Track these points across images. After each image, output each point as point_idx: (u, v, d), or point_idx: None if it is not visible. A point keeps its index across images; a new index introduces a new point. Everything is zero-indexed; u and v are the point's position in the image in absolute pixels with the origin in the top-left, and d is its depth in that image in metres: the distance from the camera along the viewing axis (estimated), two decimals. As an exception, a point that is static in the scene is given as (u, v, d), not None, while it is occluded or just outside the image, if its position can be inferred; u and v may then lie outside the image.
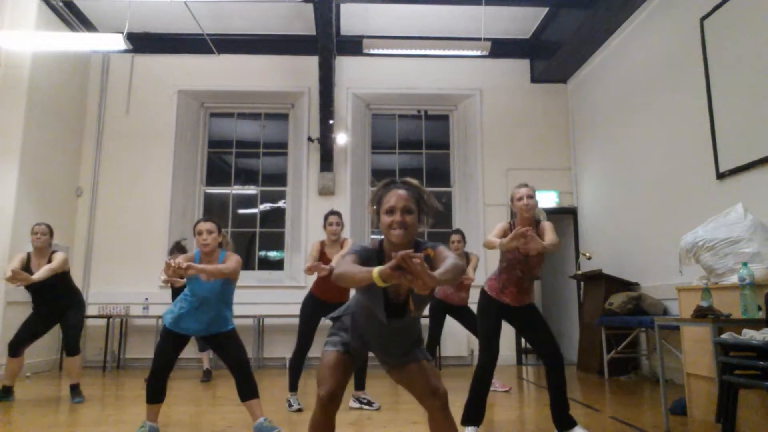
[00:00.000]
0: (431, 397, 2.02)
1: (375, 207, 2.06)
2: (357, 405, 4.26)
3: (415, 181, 2.07)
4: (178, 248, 5.75)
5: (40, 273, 4.33)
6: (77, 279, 7.39)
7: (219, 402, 4.62)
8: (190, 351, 6.04)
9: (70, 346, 4.65)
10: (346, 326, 2.20)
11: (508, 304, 3.37)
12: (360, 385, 4.34)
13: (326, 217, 4.47)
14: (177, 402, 4.58)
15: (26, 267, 4.53)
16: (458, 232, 5.47)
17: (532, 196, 3.31)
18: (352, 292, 2.39)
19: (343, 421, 3.82)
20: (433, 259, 1.99)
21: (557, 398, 3.27)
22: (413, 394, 2.11)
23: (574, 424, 3.25)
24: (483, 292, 3.44)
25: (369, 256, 2.02)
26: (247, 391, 3.33)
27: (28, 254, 4.63)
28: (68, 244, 7.29)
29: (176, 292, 5.84)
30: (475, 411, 3.31)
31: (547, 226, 3.35)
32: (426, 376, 2.07)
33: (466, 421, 3.29)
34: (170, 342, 3.31)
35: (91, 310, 7.26)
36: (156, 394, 3.26)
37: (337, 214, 4.48)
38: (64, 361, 4.83)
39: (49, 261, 4.55)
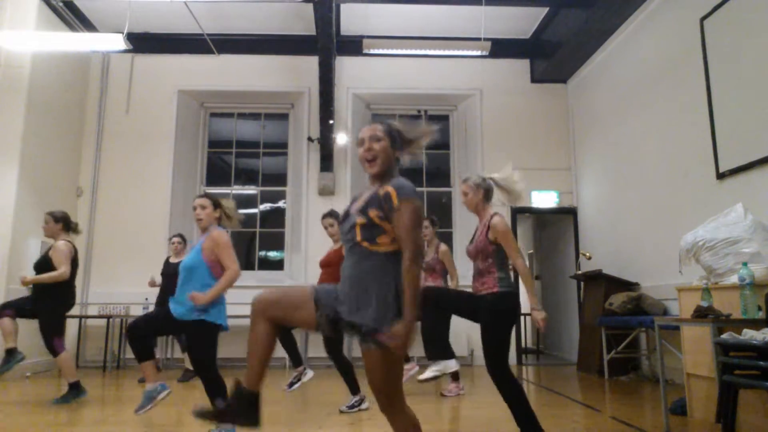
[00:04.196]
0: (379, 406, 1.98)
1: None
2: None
3: (391, 122, 2.10)
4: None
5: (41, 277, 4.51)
6: (77, 279, 7.39)
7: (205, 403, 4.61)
8: (178, 352, 6.05)
9: (47, 348, 4.54)
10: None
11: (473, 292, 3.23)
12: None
13: (322, 221, 4.47)
14: (162, 404, 4.58)
15: (45, 259, 4.63)
16: (426, 218, 5.28)
17: (466, 193, 3.25)
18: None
19: (343, 421, 3.82)
20: (395, 209, 1.90)
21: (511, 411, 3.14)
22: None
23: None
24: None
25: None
26: (208, 397, 3.20)
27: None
28: (68, 244, 7.29)
29: (163, 293, 5.84)
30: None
31: (496, 226, 3.12)
32: (375, 383, 1.93)
33: None
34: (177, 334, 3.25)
35: (91, 310, 7.28)
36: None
37: (330, 215, 4.41)
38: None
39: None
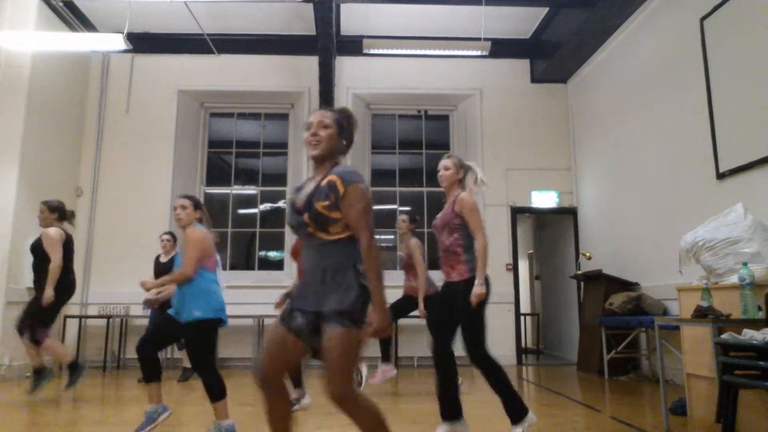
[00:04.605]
0: (326, 391, 1.87)
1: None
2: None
3: (342, 108, 2.13)
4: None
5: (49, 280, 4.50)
6: (77, 279, 7.39)
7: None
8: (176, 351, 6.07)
9: (31, 339, 4.49)
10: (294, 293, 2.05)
11: (445, 281, 3.29)
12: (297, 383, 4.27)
13: None
14: (166, 402, 4.58)
15: (37, 243, 4.62)
16: (405, 213, 5.30)
17: (449, 168, 3.36)
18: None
19: (343, 421, 3.82)
20: (342, 197, 1.91)
21: (499, 396, 3.15)
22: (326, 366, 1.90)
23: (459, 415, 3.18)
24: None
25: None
26: (207, 394, 3.21)
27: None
28: (68, 244, 7.29)
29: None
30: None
31: (463, 200, 3.26)
32: (330, 361, 1.84)
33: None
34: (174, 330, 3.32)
35: (91, 310, 7.28)
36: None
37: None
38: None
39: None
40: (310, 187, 2.02)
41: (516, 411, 3.11)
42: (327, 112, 2.05)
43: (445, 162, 3.39)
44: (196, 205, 3.43)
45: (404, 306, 5.19)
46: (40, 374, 4.56)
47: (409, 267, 5.16)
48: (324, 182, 1.95)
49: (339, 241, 1.94)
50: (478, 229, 3.20)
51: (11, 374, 5.96)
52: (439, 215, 3.34)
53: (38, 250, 4.60)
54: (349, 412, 1.87)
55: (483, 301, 3.14)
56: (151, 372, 3.28)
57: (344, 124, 2.08)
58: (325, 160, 2.03)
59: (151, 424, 3.33)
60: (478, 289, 3.10)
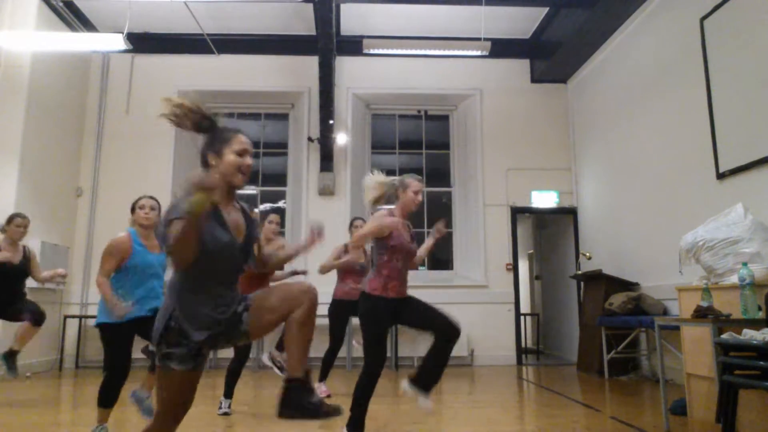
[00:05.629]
0: (297, 297, 1.86)
1: (214, 145, 2.01)
2: (270, 364, 4.25)
3: None
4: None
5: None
6: (77, 279, 7.42)
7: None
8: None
9: (39, 315, 4.48)
10: (182, 332, 1.84)
11: (394, 298, 3.22)
12: (281, 346, 4.25)
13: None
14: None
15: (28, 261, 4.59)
16: (276, 211, 5.16)
17: (419, 193, 3.35)
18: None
19: (343, 422, 3.81)
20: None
21: (434, 368, 3.19)
22: (271, 313, 1.87)
23: (426, 392, 3.21)
24: (367, 295, 3.20)
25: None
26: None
27: None
28: (68, 244, 7.29)
29: None
30: (359, 422, 3.22)
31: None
32: (276, 291, 1.90)
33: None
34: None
35: (91, 310, 7.27)
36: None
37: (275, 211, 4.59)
38: (24, 327, 4.51)
39: (23, 253, 4.58)
40: (241, 219, 2.02)
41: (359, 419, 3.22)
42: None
43: (422, 186, 3.36)
44: (161, 208, 3.55)
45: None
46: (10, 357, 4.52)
47: (352, 273, 4.96)
48: (252, 215, 2.08)
49: None
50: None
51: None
52: (412, 244, 3.32)
53: (27, 270, 4.58)
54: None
55: None
56: None
57: None
58: None
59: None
60: None
